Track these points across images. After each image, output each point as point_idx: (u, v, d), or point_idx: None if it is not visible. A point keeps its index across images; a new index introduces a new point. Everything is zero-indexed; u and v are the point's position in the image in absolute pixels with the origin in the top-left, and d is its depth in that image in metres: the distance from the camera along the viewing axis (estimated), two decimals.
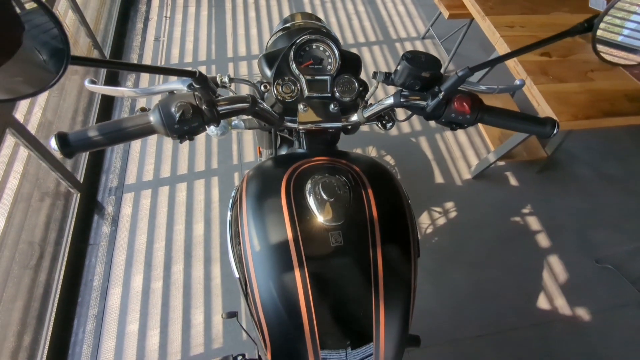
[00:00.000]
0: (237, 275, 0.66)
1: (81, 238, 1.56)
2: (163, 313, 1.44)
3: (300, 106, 0.69)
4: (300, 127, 0.70)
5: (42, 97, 1.75)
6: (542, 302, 1.61)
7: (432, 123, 2.15)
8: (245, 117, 0.75)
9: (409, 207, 0.71)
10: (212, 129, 0.81)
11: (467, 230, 1.78)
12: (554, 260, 1.73)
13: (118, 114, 1.99)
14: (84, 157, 1.72)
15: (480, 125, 1.94)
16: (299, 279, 0.59)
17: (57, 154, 0.49)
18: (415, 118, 2.17)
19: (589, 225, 1.86)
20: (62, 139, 0.49)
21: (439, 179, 1.94)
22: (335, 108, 0.70)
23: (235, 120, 0.88)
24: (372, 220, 0.64)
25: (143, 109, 0.55)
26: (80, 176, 1.64)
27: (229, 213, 0.71)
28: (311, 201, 0.63)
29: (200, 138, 1.93)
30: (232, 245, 0.68)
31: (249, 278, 0.62)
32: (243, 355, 1.07)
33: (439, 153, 2.03)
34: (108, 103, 2.01)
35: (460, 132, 2.13)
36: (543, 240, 1.79)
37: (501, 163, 2.03)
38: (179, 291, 1.49)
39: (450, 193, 1.90)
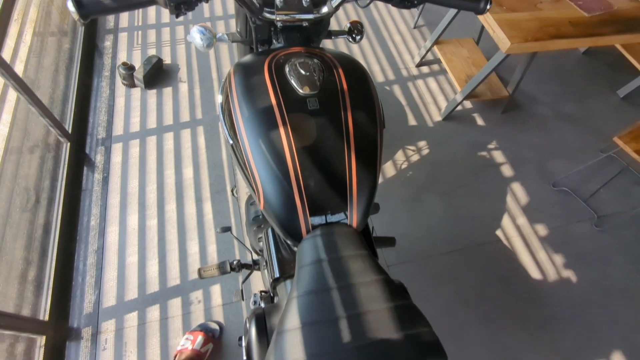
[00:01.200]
0: (230, 142, 0.77)
1: (75, 184, 1.63)
2: (160, 246, 1.54)
3: (277, 0, 0.80)
4: (278, 18, 0.80)
5: (22, 56, 1.77)
6: (506, 222, 1.79)
7: (405, 72, 2.28)
8: (228, 31, 0.84)
9: (374, 87, 0.83)
10: (198, 41, 0.90)
11: (438, 164, 1.94)
12: (517, 187, 1.91)
13: (99, 73, 2.03)
14: (70, 109, 1.76)
15: (448, 69, 2.08)
16: (283, 134, 0.70)
17: (75, 16, 0.58)
18: (390, 72, 2.29)
19: (547, 157, 2.05)
20: (77, 1, 0.58)
21: (412, 121, 2.08)
22: (308, 2, 0.81)
23: (219, 34, 0.97)
24: (343, 91, 0.76)
25: None
26: (68, 127, 1.69)
27: (220, 96, 0.82)
28: (290, 77, 0.74)
29: (183, 92, 2.00)
30: (224, 118, 0.79)
31: (241, 140, 0.73)
32: (238, 261, 1.19)
33: (412, 99, 2.17)
34: (88, 66, 2.04)
35: (430, 80, 2.27)
36: (507, 171, 1.97)
37: (468, 105, 2.18)
38: (173, 227, 1.59)
39: (422, 134, 2.04)
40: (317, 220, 0.72)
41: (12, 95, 1.45)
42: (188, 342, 1.28)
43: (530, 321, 1.54)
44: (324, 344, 0.59)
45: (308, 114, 0.72)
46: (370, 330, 0.60)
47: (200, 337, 1.29)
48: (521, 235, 1.76)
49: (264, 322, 0.77)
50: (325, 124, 0.72)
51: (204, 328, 1.34)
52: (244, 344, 0.83)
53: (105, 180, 1.67)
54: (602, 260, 1.73)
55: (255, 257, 1.25)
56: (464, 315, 1.53)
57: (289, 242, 0.74)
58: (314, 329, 0.61)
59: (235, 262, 1.17)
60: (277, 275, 0.79)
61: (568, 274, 1.68)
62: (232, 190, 1.70)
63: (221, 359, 1.33)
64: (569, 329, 1.54)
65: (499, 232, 1.76)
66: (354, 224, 0.73)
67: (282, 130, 0.70)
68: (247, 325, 0.79)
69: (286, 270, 0.79)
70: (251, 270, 1.20)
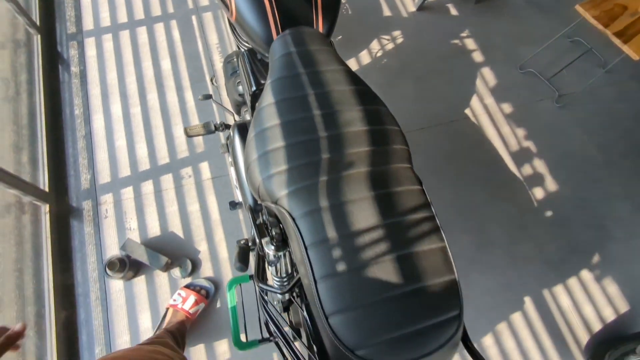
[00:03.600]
0: None
1: (52, 77, 1.64)
2: (146, 131, 1.60)
3: None
4: None
5: None
6: (475, 102, 1.91)
7: None
8: None
9: None
10: None
11: (412, 52, 1.99)
12: (486, 71, 2.00)
13: None
14: (34, 3, 1.71)
15: None
16: None
17: None
18: None
19: (517, 43, 2.11)
20: None
21: (386, 12, 2.09)
22: None
23: None
24: None
25: None
26: (35, 18, 1.65)
27: None
28: None
29: None
30: None
31: None
32: (222, 122, 1.27)
33: None
34: None
35: None
36: (477, 57, 2.04)
37: None
38: (157, 113, 1.64)
39: (397, 24, 2.06)
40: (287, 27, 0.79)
41: None
42: (179, 299, 1.26)
43: (492, 183, 1.72)
44: (296, 112, 0.69)
45: None
46: (335, 104, 0.71)
47: (192, 297, 1.27)
48: (488, 113, 1.89)
49: (246, 131, 0.88)
50: None
51: (197, 286, 1.33)
52: (230, 158, 0.94)
53: (83, 73, 1.68)
54: (559, 132, 1.89)
55: (237, 118, 1.34)
56: (434, 181, 1.70)
57: (262, 51, 0.82)
58: (287, 103, 0.71)
59: (219, 123, 1.25)
60: (254, 88, 0.88)
61: (528, 144, 1.84)
62: (211, 80, 1.73)
63: (210, 321, 1.32)
64: (525, 186, 1.73)
65: (467, 111, 1.88)
66: (320, 28, 0.80)
67: None
68: (232, 134, 0.89)
69: (262, 84, 0.88)
70: None
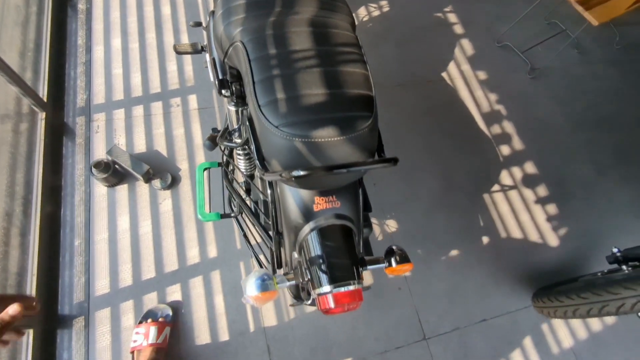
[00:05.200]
0: None
1: (60, 10, 1.78)
2: (142, 64, 1.73)
3: None
4: None
5: None
6: (452, 67, 2.04)
7: None
8: None
9: None
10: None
11: (396, 20, 2.13)
12: (465, 42, 2.14)
13: None
14: None
15: None
16: None
17: None
18: None
19: (497, 22, 2.26)
20: None
21: None
22: None
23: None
24: None
25: None
26: None
27: None
28: None
29: None
30: None
31: None
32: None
33: None
34: None
35: None
36: (458, 29, 2.18)
37: None
38: (154, 50, 1.78)
39: None
40: None
41: None
42: (140, 338, 1.15)
43: (463, 138, 1.83)
44: (262, 8, 0.82)
45: None
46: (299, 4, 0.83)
47: (152, 328, 1.16)
48: (463, 78, 2.02)
49: None
50: None
51: (152, 316, 1.22)
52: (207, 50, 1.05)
53: (89, 11, 1.82)
54: (529, 100, 2.01)
55: None
56: (408, 132, 1.81)
57: None
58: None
59: (205, 44, 1.37)
60: None
61: (499, 107, 1.96)
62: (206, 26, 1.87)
63: (183, 339, 1.24)
64: (493, 144, 1.84)
65: (444, 74, 2.01)
66: None
67: None
68: (209, 18, 1.01)
69: None
70: None
